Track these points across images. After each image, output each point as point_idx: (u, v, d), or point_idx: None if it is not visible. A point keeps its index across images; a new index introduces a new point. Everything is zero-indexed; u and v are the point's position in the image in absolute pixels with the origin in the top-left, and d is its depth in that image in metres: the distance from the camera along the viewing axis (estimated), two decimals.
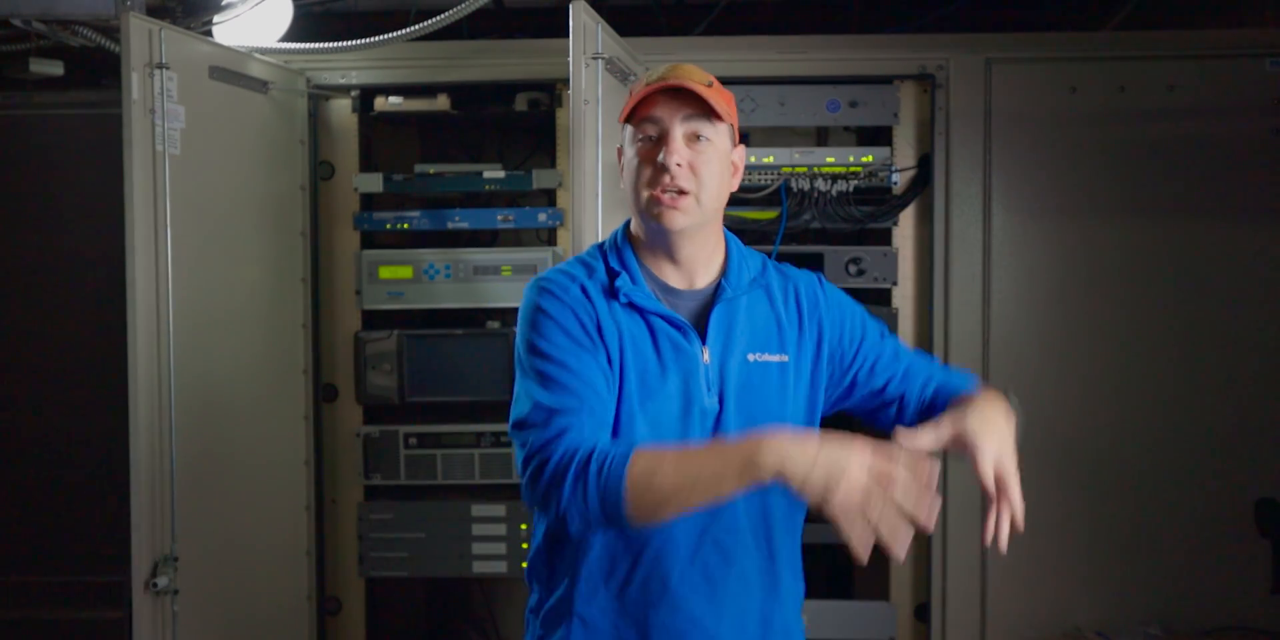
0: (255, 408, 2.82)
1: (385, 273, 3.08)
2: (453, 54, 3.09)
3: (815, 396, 1.81)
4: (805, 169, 3.03)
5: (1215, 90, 2.95)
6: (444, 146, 3.57)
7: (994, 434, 1.59)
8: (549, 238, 3.23)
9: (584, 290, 1.73)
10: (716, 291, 1.77)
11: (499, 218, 3.10)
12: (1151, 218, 2.99)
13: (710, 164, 1.72)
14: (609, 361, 1.70)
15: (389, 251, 3.12)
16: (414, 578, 3.27)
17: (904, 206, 3.04)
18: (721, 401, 1.73)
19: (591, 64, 2.38)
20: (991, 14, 3.58)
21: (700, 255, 1.77)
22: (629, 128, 1.75)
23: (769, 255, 2.90)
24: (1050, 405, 3.00)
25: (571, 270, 1.77)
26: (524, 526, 3.08)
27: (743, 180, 3.00)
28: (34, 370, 3.42)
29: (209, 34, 2.76)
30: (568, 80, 2.39)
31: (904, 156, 3.05)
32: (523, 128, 3.41)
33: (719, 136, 1.74)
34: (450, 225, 3.11)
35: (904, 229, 3.06)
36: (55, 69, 3.11)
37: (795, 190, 3.01)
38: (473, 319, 3.21)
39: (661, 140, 1.71)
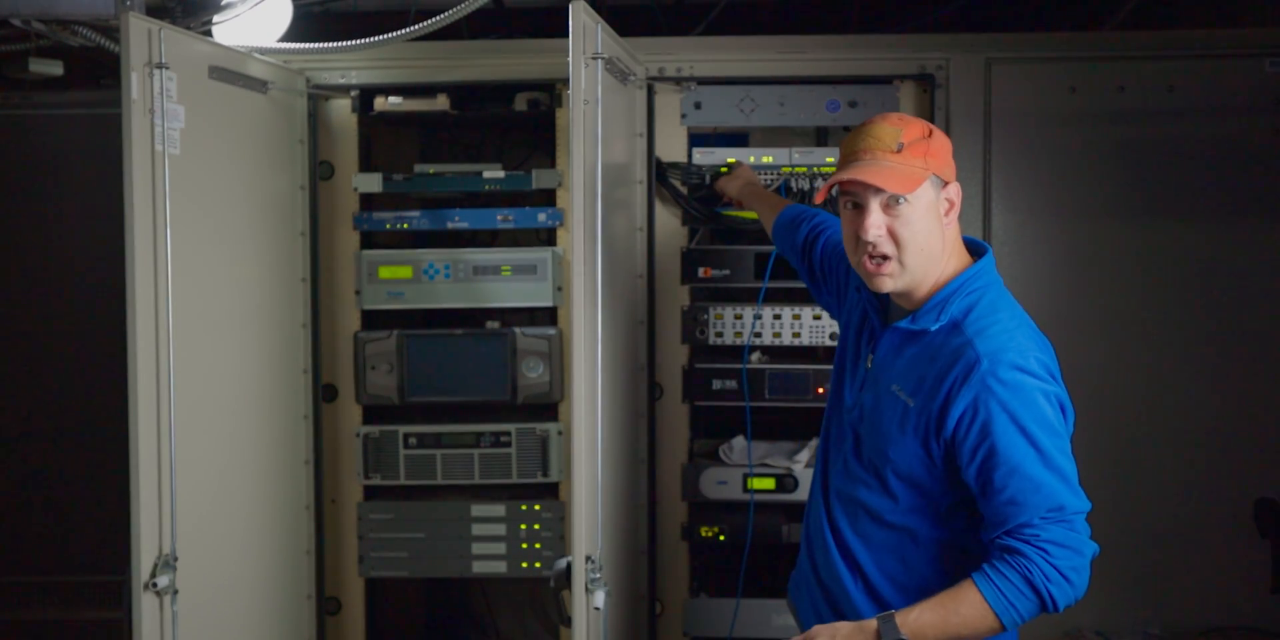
0: (255, 408, 2.82)
1: (385, 273, 3.08)
2: (453, 54, 3.08)
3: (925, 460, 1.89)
4: (805, 169, 3.03)
5: (1215, 90, 2.95)
6: (444, 146, 3.57)
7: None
8: (549, 238, 3.22)
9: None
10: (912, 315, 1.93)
11: (499, 218, 3.10)
12: (1151, 218, 2.98)
13: (911, 224, 1.84)
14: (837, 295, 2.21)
15: (389, 251, 3.12)
16: (414, 578, 3.27)
17: None
18: (860, 406, 1.97)
19: (591, 64, 2.38)
20: (991, 14, 3.58)
21: (916, 295, 1.92)
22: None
23: (769, 256, 2.94)
24: None
25: None
26: (524, 526, 3.08)
27: None
28: (34, 370, 3.42)
29: (209, 34, 2.76)
30: (567, 80, 2.38)
31: None
32: (523, 128, 3.41)
33: (921, 194, 1.83)
34: (450, 225, 3.11)
35: None
36: (55, 69, 3.11)
37: (795, 190, 3.01)
38: (473, 319, 3.20)
39: (861, 209, 1.85)
